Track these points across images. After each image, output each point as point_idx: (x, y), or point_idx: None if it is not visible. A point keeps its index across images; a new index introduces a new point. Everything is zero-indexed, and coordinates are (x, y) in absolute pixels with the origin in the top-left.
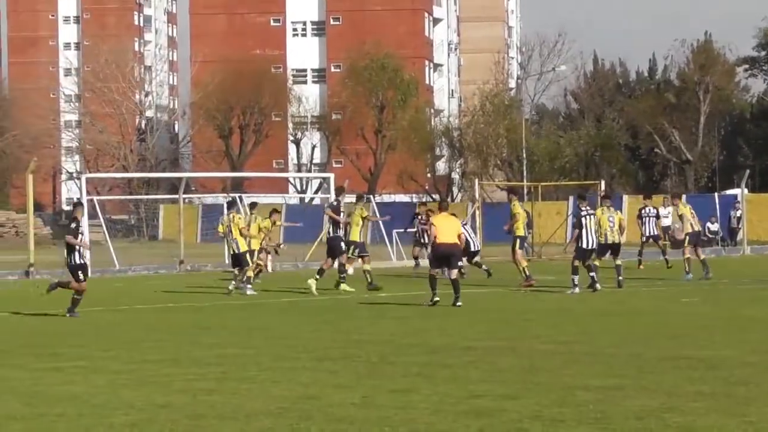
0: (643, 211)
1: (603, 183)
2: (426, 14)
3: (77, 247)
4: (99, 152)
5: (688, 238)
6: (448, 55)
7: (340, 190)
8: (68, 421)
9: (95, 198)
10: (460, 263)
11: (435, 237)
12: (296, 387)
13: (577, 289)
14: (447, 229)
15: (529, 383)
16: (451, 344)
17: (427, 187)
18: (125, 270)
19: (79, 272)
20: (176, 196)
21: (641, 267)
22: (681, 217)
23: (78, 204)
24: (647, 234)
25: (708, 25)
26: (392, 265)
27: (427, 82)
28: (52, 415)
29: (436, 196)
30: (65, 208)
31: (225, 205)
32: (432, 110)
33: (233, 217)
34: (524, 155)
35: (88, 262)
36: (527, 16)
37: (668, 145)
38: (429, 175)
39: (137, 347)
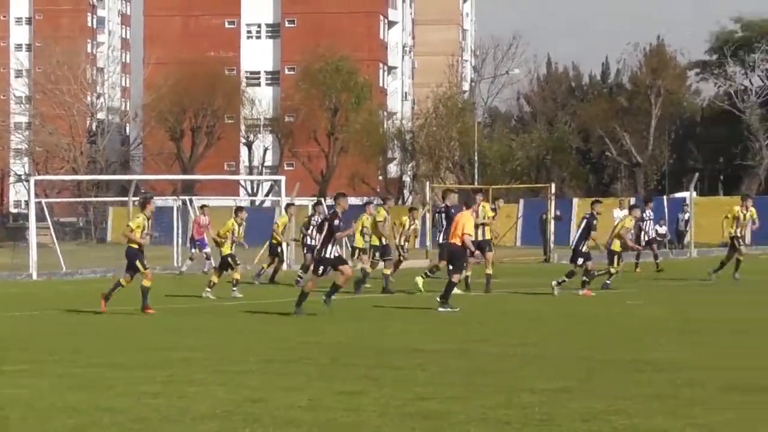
0: (644, 215)
1: (553, 186)
2: (381, 17)
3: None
4: (49, 154)
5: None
6: (403, 57)
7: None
8: (11, 425)
9: (44, 200)
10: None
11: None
12: (243, 390)
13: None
14: (455, 228)
15: (477, 386)
16: (401, 347)
17: (378, 190)
18: (72, 273)
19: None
20: (126, 198)
21: (638, 270)
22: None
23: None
24: (649, 237)
25: (661, 29)
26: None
27: (381, 84)
28: None
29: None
30: (12, 210)
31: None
32: (385, 113)
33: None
34: (476, 158)
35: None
36: (482, 19)
37: (619, 149)
38: (380, 177)
39: (82, 350)
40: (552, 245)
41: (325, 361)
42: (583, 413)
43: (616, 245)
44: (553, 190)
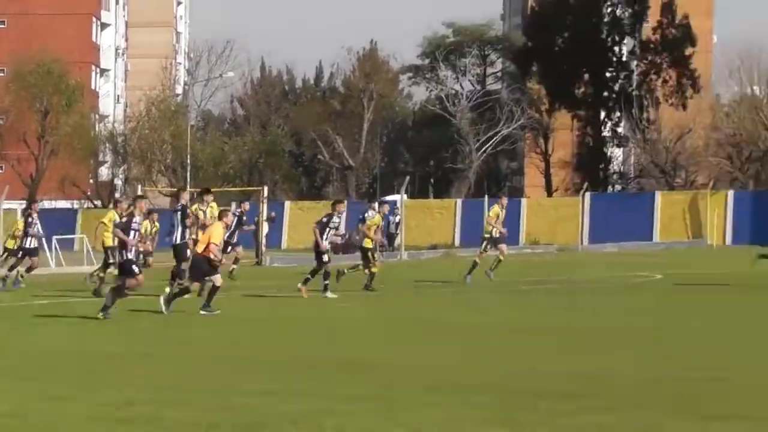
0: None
1: (266, 189)
2: (94, 19)
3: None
4: None
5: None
6: (116, 60)
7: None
8: None
9: None
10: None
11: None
12: None
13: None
14: (204, 236)
15: (187, 389)
16: (113, 352)
17: (89, 193)
18: None
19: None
20: None
21: None
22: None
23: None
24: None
25: (374, 34)
26: (51, 272)
27: (93, 87)
28: None
29: (98, 202)
30: None
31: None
32: (97, 116)
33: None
34: (188, 161)
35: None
36: (197, 22)
37: (331, 152)
38: (91, 180)
39: None
40: (264, 248)
41: (34, 368)
42: (292, 415)
43: (368, 242)
44: (266, 193)
